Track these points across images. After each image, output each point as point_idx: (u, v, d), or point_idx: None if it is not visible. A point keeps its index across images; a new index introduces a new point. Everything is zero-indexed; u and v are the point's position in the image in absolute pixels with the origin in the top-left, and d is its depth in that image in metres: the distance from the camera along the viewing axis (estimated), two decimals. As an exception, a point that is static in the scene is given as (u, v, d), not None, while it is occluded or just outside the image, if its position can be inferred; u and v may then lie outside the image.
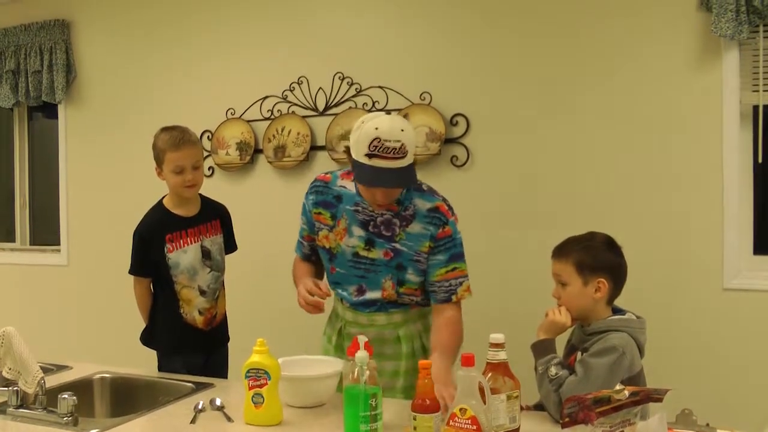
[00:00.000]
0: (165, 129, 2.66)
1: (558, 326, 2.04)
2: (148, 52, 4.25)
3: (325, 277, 2.43)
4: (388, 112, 2.11)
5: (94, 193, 4.46)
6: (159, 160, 2.63)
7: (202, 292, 2.69)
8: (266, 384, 1.93)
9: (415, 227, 2.22)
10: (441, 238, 2.22)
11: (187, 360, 2.66)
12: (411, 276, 2.25)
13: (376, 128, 2.05)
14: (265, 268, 3.70)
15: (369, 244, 2.25)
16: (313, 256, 2.45)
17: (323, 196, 2.33)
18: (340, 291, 2.36)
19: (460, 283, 2.26)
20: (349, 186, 2.29)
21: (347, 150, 2.18)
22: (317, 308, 2.20)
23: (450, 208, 2.26)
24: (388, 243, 2.24)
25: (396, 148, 2.04)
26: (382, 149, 2.04)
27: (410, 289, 2.28)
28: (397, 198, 2.23)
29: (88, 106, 4.46)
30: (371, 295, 2.29)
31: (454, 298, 2.25)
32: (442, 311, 2.26)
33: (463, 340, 2.25)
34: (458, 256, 2.26)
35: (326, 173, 2.39)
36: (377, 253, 2.25)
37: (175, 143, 2.58)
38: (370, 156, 2.05)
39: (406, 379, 2.29)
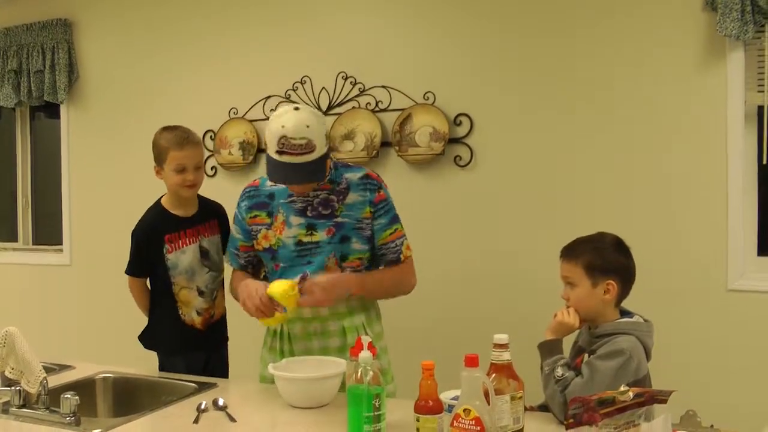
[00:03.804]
0: (167, 128, 2.67)
1: (566, 327, 2.03)
2: (151, 51, 4.24)
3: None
4: (297, 108, 2.22)
5: (96, 192, 4.45)
6: (160, 159, 2.62)
7: (201, 293, 2.68)
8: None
9: (352, 197, 2.34)
10: (378, 202, 2.35)
11: (188, 360, 2.66)
12: (356, 245, 2.33)
13: (282, 126, 2.16)
14: (267, 268, 3.70)
15: (310, 228, 2.32)
16: (249, 267, 2.49)
17: (256, 199, 2.41)
18: None
19: (402, 242, 2.41)
20: None
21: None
22: (265, 313, 2.21)
23: (378, 175, 2.42)
24: (329, 221, 2.31)
25: (302, 145, 2.15)
26: (289, 146, 2.15)
27: (354, 260, 2.33)
28: (329, 177, 2.34)
29: (91, 106, 4.46)
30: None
31: (401, 257, 2.40)
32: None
33: (402, 291, 2.44)
34: (396, 218, 2.40)
35: (254, 180, 2.49)
36: (320, 235, 2.31)
37: (179, 142, 2.59)
38: (280, 153, 2.17)
39: None
